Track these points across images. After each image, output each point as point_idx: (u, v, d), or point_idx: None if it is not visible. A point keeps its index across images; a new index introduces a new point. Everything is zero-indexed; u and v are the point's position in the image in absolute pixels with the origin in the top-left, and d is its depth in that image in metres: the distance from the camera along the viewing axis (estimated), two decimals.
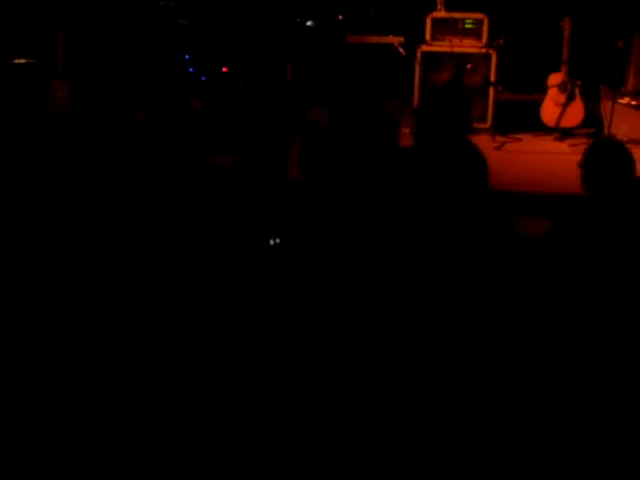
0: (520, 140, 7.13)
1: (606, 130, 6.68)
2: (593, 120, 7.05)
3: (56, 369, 3.10)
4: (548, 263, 3.41)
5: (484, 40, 7.28)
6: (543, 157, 6.65)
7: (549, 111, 7.08)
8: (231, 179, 4.61)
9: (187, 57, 7.95)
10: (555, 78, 7.06)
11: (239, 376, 3.06)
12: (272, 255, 3.73)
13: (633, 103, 6.70)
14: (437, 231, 3.54)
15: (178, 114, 4.19)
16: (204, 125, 4.90)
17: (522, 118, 7.39)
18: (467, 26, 7.36)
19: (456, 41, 7.35)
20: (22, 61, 8.17)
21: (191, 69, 7.98)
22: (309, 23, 7.94)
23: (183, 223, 3.79)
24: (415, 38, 7.52)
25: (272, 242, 3.75)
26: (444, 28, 7.39)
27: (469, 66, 7.32)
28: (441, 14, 7.40)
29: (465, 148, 3.95)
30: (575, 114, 7.02)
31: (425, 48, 7.38)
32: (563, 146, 6.88)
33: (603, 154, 3.66)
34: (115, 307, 3.38)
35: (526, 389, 3.00)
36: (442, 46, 7.36)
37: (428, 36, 7.39)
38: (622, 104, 6.68)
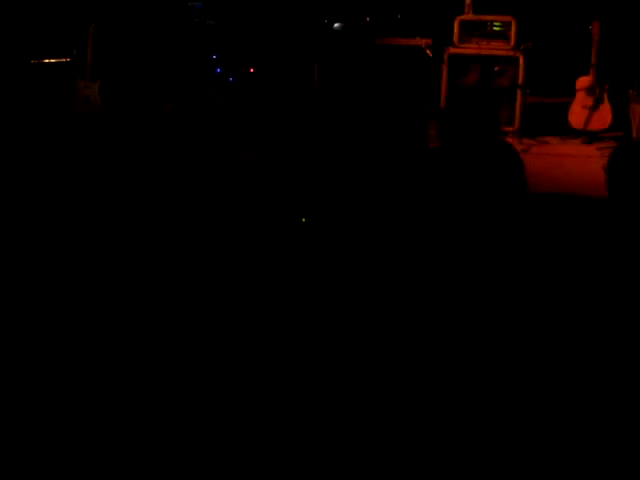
0: (547, 143, 7.10)
1: (634, 133, 6.62)
2: (621, 124, 7.00)
3: (55, 368, 3.09)
4: (574, 265, 3.38)
5: (512, 43, 7.27)
6: (570, 160, 6.60)
7: (577, 114, 7.06)
8: (256, 174, 4.62)
9: (214, 57, 8.00)
10: (583, 81, 7.05)
11: (239, 373, 3.04)
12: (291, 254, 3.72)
13: None
14: (472, 232, 3.52)
15: (200, 107, 4.23)
16: (228, 118, 4.94)
17: (550, 121, 7.36)
18: (495, 29, 7.34)
19: (484, 44, 7.33)
20: (52, 60, 8.27)
21: (218, 70, 8.03)
22: (336, 25, 7.96)
23: (209, 216, 3.80)
24: (442, 40, 7.50)
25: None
26: (472, 30, 7.37)
27: (497, 68, 7.30)
28: (469, 17, 7.40)
29: (501, 149, 3.94)
30: (603, 117, 6.99)
31: (452, 50, 7.39)
32: (591, 149, 6.84)
33: (628, 158, 3.63)
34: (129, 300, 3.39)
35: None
36: (469, 48, 7.37)
37: (456, 39, 7.40)
38: None
